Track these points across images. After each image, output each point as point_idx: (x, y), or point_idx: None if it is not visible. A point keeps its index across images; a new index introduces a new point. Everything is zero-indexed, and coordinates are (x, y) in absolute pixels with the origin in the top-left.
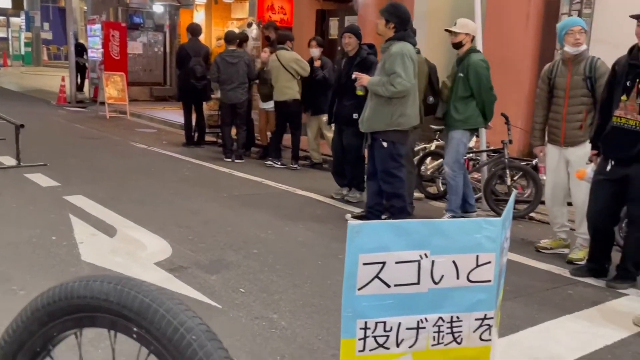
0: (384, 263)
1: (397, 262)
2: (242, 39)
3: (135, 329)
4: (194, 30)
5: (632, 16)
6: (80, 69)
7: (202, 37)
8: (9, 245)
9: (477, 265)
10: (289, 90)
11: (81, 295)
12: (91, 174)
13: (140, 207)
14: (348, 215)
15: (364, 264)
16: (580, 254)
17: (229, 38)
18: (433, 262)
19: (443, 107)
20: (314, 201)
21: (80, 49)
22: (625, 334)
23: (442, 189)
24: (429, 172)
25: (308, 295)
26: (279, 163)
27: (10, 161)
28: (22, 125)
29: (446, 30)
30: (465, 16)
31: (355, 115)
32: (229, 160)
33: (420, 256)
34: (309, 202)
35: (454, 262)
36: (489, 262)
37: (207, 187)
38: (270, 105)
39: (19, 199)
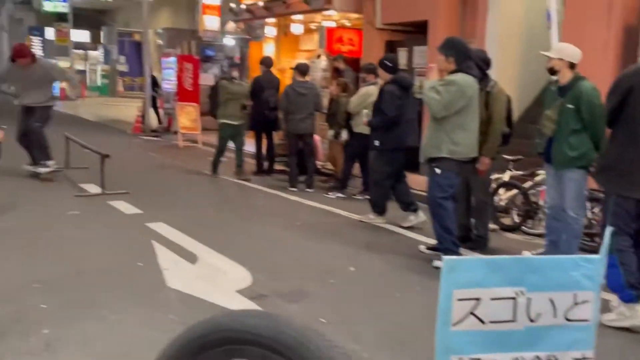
0: (478, 299)
1: (492, 299)
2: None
3: None
4: (267, 63)
5: None
6: (152, 100)
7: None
8: (98, 271)
9: (575, 304)
10: None
11: (233, 329)
12: (169, 201)
13: (217, 234)
14: (422, 247)
15: (459, 299)
16: None
17: (302, 70)
18: (529, 299)
19: (542, 142)
20: (386, 231)
21: (153, 81)
22: None
23: (516, 220)
24: (502, 203)
25: (389, 328)
26: (346, 193)
27: (95, 189)
28: (107, 156)
29: (542, 53)
30: (540, 41)
31: (376, 142)
32: (295, 189)
33: (516, 293)
34: (381, 232)
35: (550, 300)
36: (588, 301)
37: (280, 216)
38: (343, 136)
39: (105, 226)
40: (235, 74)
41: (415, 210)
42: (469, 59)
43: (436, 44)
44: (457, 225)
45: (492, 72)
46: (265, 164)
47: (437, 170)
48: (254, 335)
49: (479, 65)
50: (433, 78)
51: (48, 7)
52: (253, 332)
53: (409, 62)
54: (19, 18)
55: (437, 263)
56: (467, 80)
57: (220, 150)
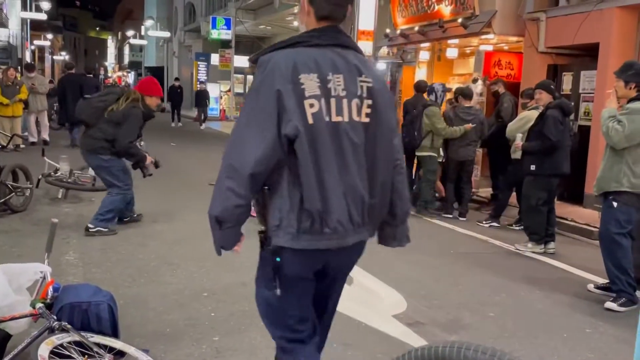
0: None
1: None
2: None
3: None
4: (420, 87)
5: None
6: None
7: None
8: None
9: None
10: None
11: None
12: None
13: (371, 257)
14: (590, 286)
15: None
16: None
17: (467, 94)
18: None
19: None
20: (547, 265)
21: None
22: None
23: None
24: None
25: None
26: (500, 222)
27: None
28: None
29: None
30: None
31: (532, 167)
32: (449, 216)
33: None
34: (541, 266)
35: None
36: None
37: (432, 242)
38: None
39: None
40: None
41: (549, 242)
42: None
43: (607, 68)
44: (633, 265)
45: None
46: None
47: (615, 204)
48: None
49: None
50: (612, 106)
51: (214, 34)
52: None
53: (575, 86)
54: (188, 45)
55: (609, 305)
56: None
57: None
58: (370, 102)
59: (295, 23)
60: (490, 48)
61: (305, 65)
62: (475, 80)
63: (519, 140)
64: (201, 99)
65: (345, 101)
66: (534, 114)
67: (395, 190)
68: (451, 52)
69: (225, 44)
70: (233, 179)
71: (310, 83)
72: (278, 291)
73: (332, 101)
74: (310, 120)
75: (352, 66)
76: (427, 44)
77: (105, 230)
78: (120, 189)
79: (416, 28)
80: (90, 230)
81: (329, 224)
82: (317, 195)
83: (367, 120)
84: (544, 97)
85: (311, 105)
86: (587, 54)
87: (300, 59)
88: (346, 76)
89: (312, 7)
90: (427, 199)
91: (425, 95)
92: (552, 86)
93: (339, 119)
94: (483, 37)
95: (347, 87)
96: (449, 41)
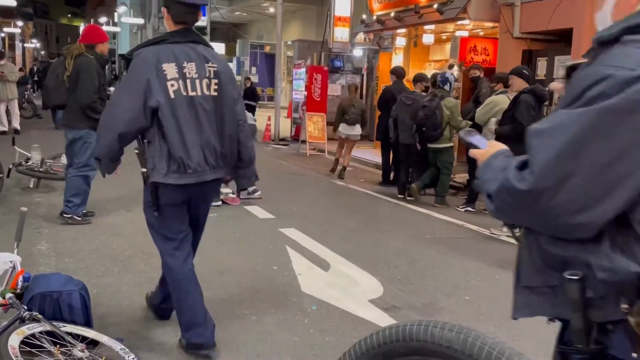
0: None
1: None
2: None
3: None
4: (399, 73)
5: None
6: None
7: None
8: (237, 273)
9: None
10: None
11: (421, 339)
12: (300, 208)
13: (348, 243)
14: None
15: None
16: None
17: (415, 79)
18: None
19: None
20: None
21: (252, 92)
22: None
23: None
24: None
25: (531, 352)
26: (474, 207)
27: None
28: None
29: None
30: None
31: None
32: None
33: None
34: (516, 250)
35: None
36: None
37: (409, 227)
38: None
39: (242, 230)
40: None
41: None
42: None
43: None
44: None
45: None
46: (392, 175)
47: None
48: (443, 348)
49: None
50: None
51: None
52: (443, 345)
53: (549, 72)
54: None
55: None
56: None
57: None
58: (216, 81)
59: (272, 9)
60: (465, 34)
61: (166, 57)
62: (451, 66)
63: (492, 125)
64: None
65: (197, 81)
66: (501, 98)
67: (240, 142)
68: (427, 38)
69: (200, 30)
70: (106, 136)
71: (170, 69)
72: (156, 214)
73: (188, 81)
74: (172, 96)
75: (201, 56)
76: (403, 30)
77: (79, 219)
78: (79, 169)
79: (392, 14)
80: (65, 216)
81: (191, 166)
82: (181, 148)
83: (215, 94)
84: (517, 83)
85: (172, 85)
86: (562, 40)
87: (162, 52)
88: (197, 63)
89: (170, 15)
90: (446, 190)
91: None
92: (525, 71)
93: (194, 93)
94: (459, 22)
95: (198, 71)
96: (425, 27)
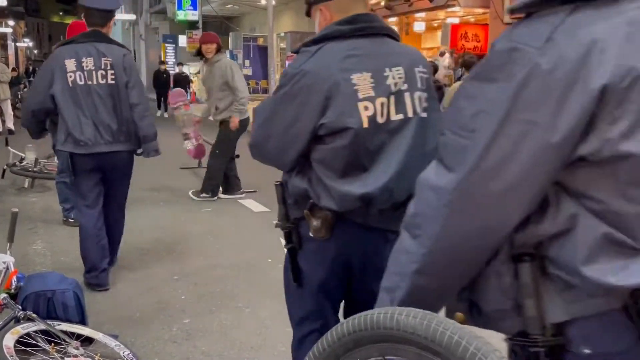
0: None
1: None
2: None
3: None
4: None
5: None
6: None
7: None
8: (231, 266)
9: None
10: None
11: (387, 327)
12: None
13: None
14: None
15: None
16: None
17: None
18: None
19: None
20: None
21: None
22: None
23: None
24: None
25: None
26: None
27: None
28: (237, 156)
29: None
30: None
31: None
32: None
33: None
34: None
35: None
36: None
37: None
38: None
39: (236, 223)
40: None
41: None
42: None
43: None
44: None
45: None
46: None
47: None
48: (408, 334)
49: None
50: None
51: (180, 15)
52: (408, 332)
53: None
54: (155, 27)
55: None
56: None
57: None
58: (112, 71)
59: (263, 2)
60: (456, 21)
61: (68, 54)
62: (442, 54)
63: None
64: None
65: (94, 72)
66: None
67: (135, 123)
68: (418, 26)
69: (192, 24)
70: (24, 112)
71: (70, 64)
72: (73, 178)
73: (86, 73)
74: (70, 85)
75: (100, 52)
76: (394, 19)
77: (72, 221)
78: (60, 175)
79: (382, 3)
80: (70, 220)
81: (83, 140)
82: (78, 127)
83: (112, 82)
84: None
85: (70, 76)
86: None
87: (67, 50)
88: (95, 58)
89: (84, 19)
90: None
91: None
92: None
93: (90, 82)
94: (449, 9)
95: (95, 64)
96: (416, 15)
